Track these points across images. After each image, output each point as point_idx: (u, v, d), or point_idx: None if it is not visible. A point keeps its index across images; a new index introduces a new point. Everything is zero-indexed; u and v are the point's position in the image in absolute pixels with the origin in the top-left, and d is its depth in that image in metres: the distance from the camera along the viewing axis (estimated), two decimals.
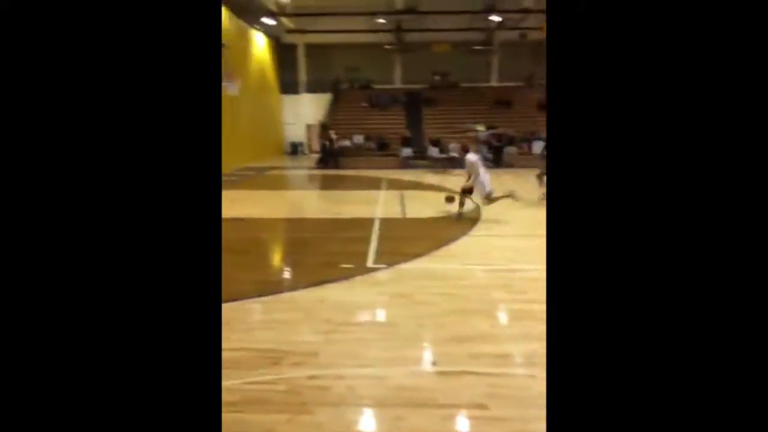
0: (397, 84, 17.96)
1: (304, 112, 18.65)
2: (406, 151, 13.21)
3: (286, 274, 3.99)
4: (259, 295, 3.28)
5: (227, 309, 3.01)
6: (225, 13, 12.63)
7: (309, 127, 18.52)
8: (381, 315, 2.96)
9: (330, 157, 12.85)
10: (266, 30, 16.04)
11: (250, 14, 13.98)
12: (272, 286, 3.60)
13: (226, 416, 1.85)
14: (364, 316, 2.96)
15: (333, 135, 13.26)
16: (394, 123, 15.69)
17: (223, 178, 8.28)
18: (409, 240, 4.77)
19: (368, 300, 3.19)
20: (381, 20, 15.01)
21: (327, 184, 10.35)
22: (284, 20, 15.16)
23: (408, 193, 8.07)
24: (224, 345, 2.47)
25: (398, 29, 15.82)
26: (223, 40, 9.01)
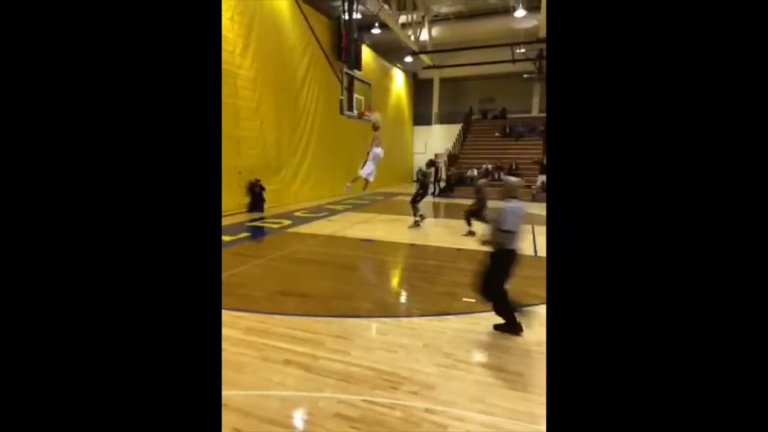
0: (535, 113, 17.09)
1: (433, 142, 19.23)
2: (541, 178, 12.42)
3: (407, 299, 4.03)
4: (381, 316, 3.38)
5: (350, 324, 3.18)
6: (371, 54, 14.15)
7: (436, 156, 18.94)
8: (507, 360, 2.71)
9: (442, 185, 13.31)
10: (405, 67, 17.31)
11: (392, 54, 15.34)
12: (393, 309, 3.67)
13: (345, 431, 1.91)
14: (487, 358, 2.75)
15: (440, 164, 13.54)
16: (529, 153, 14.87)
17: (355, 201, 9.06)
18: (539, 281, 4.33)
19: (492, 341, 2.96)
20: (521, 50, 14.65)
21: (452, 212, 10.31)
22: (423, 57, 16.13)
23: (540, 229, 7.42)
24: (346, 359, 2.60)
25: (539, 57, 15.18)
26: (368, 78, 10.06)
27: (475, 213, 6.59)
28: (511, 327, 3.01)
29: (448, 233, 7.16)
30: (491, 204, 5.68)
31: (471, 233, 6.71)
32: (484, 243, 3.04)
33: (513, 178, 3.18)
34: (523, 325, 3.01)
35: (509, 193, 3.00)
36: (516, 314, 3.01)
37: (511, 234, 2.90)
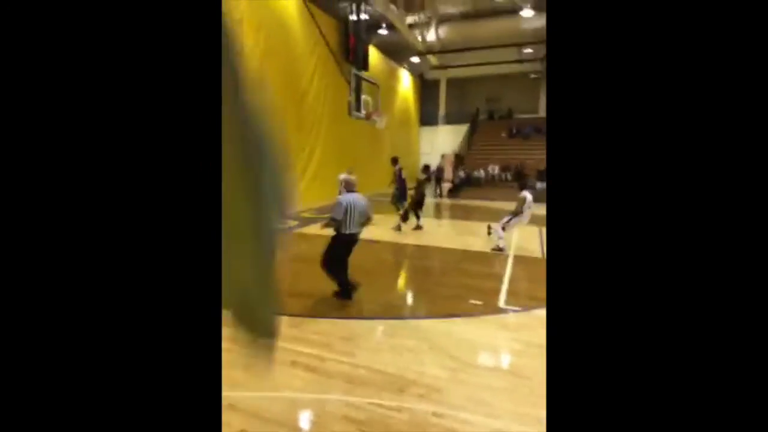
0: (542, 113, 17.00)
1: (440, 142, 19.20)
2: (544, 185, 12.29)
3: (413, 301, 4.01)
4: (386, 318, 3.37)
5: (356, 326, 3.18)
6: (377, 55, 14.16)
7: (443, 156, 18.91)
8: (514, 364, 2.69)
9: (446, 186, 13.30)
10: (412, 68, 17.30)
11: (399, 55, 15.35)
12: (399, 311, 3.66)
13: None
14: (493, 361, 2.74)
15: (443, 165, 13.40)
16: (536, 154, 14.78)
17: None
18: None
19: (499, 344, 2.94)
20: (528, 50, 14.57)
21: (458, 213, 10.28)
22: (430, 58, 16.10)
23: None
24: (352, 361, 2.59)
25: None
26: (374, 79, 10.08)
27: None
28: (344, 293, 3.67)
29: (458, 234, 7.13)
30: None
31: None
32: (327, 226, 3.84)
33: (352, 176, 3.98)
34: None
35: (348, 187, 3.83)
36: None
37: (344, 220, 3.64)
